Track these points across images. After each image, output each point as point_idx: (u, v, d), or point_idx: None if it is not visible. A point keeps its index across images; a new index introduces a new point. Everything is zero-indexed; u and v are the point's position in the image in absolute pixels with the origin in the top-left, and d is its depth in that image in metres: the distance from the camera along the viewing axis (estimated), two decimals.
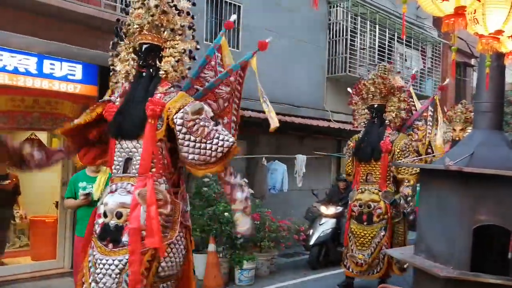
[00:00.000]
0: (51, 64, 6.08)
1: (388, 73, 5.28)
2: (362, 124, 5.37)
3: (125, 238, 2.66)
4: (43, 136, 7.51)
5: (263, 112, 9.33)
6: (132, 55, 2.93)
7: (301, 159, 9.33)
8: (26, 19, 5.95)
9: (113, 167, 2.84)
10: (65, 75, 6.18)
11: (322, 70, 11.13)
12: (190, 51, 3.02)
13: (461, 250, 3.18)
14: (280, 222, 7.93)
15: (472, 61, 15.65)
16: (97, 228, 2.78)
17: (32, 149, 2.85)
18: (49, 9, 5.94)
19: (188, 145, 2.72)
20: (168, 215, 2.75)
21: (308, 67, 10.61)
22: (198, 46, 3.14)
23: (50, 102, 6.24)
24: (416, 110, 5.84)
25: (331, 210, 7.88)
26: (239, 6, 9.52)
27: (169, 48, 2.91)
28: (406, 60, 13.44)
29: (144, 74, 2.89)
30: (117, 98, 2.96)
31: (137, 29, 2.87)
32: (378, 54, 12.22)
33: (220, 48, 3.57)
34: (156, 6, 2.82)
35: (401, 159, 4.94)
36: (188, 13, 3.02)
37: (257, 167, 9.06)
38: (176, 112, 2.71)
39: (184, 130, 2.71)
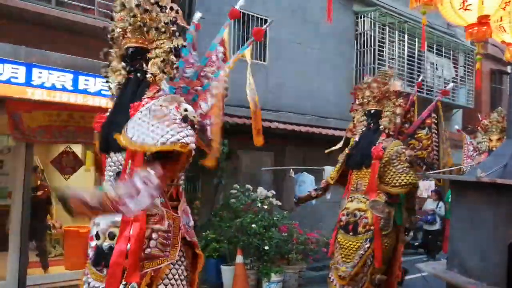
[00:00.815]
0: (85, 80, 6.30)
1: (388, 78, 4.96)
2: (359, 131, 5.03)
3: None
4: (78, 148, 7.74)
5: (290, 123, 9.37)
6: (122, 63, 2.69)
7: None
8: (62, 38, 6.30)
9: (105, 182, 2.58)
10: (98, 91, 6.37)
11: (350, 81, 11.06)
12: (176, 49, 2.70)
13: (496, 265, 3.07)
14: (308, 235, 7.87)
15: (508, 69, 15.23)
16: (90, 252, 2.52)
17: None
18: (85, 27, 6.27)
19: (139, 124, 2.39)
20: (166, 231, 2.47)
21: (335, 78, 10.56)
22: (184, 43, 2.85)
23: (84, 117, 6.46)
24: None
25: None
26: (266, 20, 9.59)
27: (155, 48, 2.67)
28: (437, 69, 13.21)
29: (128, 80, 2.66)
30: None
31: (121, 33, 2.65)
32: (408, 64, 12.06)
33: (223, 42, 3.32)
34: (138, 6, 2.59)
35: (388, 168, 4.57)
36: (171, 8, 2.73)
37: (285, 179, 9.02)
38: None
39: (146, 112, 2.43)
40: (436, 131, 5.10)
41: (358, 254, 4.49)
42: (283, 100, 9.59)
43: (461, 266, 3.38)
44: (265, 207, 7.60)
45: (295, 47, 9.99)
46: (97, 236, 2.48)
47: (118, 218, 2.41)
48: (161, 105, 2.42)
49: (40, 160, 7.99)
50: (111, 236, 2.43)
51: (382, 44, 11.38)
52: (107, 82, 2.79)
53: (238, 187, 7.76)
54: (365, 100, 4.94)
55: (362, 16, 11.35)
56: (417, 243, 10.98)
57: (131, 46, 2.65)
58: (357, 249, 4.51)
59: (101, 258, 2.43)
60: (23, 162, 6.33)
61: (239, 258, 6.82)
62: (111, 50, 2.77)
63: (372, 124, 4.89)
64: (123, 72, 2.69)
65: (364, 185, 4.69)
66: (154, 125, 2.34)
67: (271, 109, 9.35)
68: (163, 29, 2.65)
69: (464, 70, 14.06)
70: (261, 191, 7.77)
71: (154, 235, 2.44)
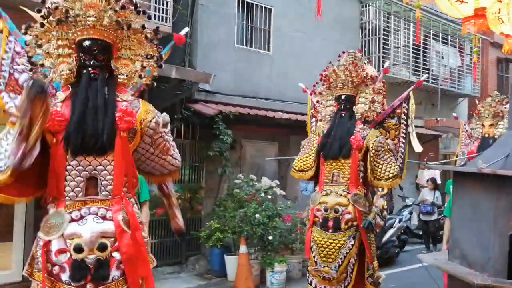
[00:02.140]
0: None
1: (358, 61, 4.45)
2: (327, 117, 4.54)
3: (114, 273, 2.25)
4: None
5: (294, 113, 9.33)
6: (70, 50, 2.41)
7: None
8: None
9: (66, 190, 2.27)
10: None
11: None
12: (158, 58, 2.57)
13: (497, 256, 3.06)
14: None
15: None
16: (60, 269, 2.21)
17: None
18: None
19: (147, 156, 2.53)
20: (146, 237, 2.44)
21: None
22: (163, 53, 2.65)
23: None
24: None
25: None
26: (270, 9, 9.53)
27: (125, 49, 2.49)
28: (442, 57, 13.10)
29: (94, 76, 2.39)
30: (55, 103, 2.35)
31: (90, 22, 2.36)
32: (413, 53, 11.97)
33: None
34: (117, 0, 2.43)
35: (376, 161, 4.19)
36: (144, 12, 2.54)
37: (289, 169, 9.03)
38: (149, 122, 2.44)
39: (148, 140, 2.46)
40: (405, 122, 4.63)
41: (342, 252, 4.12)
42: (287, 90, 9.57)
43: (462, 257, 3.38)
44: (269, 197, 7.63)
45: (300, 36, 9.94)
46: (79, 249, 2.19)
47: (107, 227, 2.26)
48: None
49: None
50: (102, 248, 2.22)
51: (387, 33, 11.30)
52: (32, 64, 2.44)
53: (242, 177, 7.78)
54: (339, 84, 4.46)
55: (367, 5, 11.26)
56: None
57: (98, 39, 2.39)
58: (340, 247, 4.13)
59: (85, 272, 2.20)
60: None
61: (243, 248, 6.86)
62: (40, 28, 2.39)
63: (345, 110, 4.43)
64: (71, 61, 2.39)
65: (342, 177, 4.26)
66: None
67: (275, 99, 9.34)
68: (134, 31, 2.49)
69: (470, 59, 13.93)
70: (265, 181, 7.78)
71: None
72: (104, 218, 2.27)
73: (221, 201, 7.80)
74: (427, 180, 10.62)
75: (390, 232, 8.50)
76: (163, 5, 7.62)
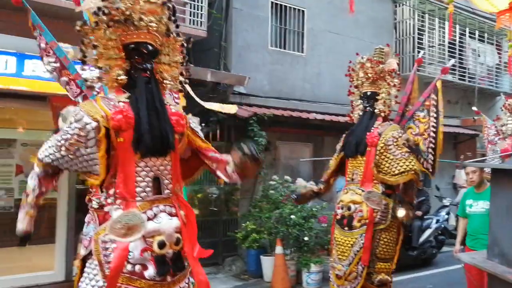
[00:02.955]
0: None
1: (385, 57, 4.41)
2: (356, 116, 4.51)
3: (185, 263, 2.44)
4: None
5: (328, 114, 9.31)
6: (122, 53, 2.41)
7: None
8: None
9: (137, 191, 2.32)
10: None
11: None
12: (187, 65, 2.64)
13: None
14: None
15: None
16: (143, 267, 2.27)
17: None
18: None
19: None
20: None
21: None
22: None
23: None
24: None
25: (401, 212, 7.67)
26: (303, 11, 9.58)
27: (164, 55, 2.54)
28: (479, 55, 12.78)
29: (147, 79, 2.42)
30: (115, 104, 2.36)
31: (151, 28, 2.39)
32: (449, 51, 11.74)
33: None
34: (169, 8, 2.48)
35: (385, 155, 4.08)
36: (177, 25, 2.59)
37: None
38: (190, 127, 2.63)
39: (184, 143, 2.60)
40: (435, 115, 4.40)
41: (353, 250, 4.07)
42: (321, 90, 9.58)
43: (501, 255, 3.34)
44: None
45: (333, 37, 9.93)
46: (162, 245, 2.29)
47: (177, 223, 2.38)
48: None
49: None
50: (177, 242, 2.37)
51: (422, 32, 11.13)
52: (84, 62, 2.43)
53: (277, 178, 7.84)
54: (359, 81, 4.44)
55: (401, 4, 11.13)
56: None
57: (151, 43, 2.41)
58: (352, 245, 4.08)
59: (167, 266, 2.32)
60: None
61: (278, 249, 6.91)
62: (93, 27, 2.37)
63: (368, 108, 4.39)
64: (125, 65, 2.41)
65: (359, 174, 4.23)
66: None
67: (309, 100, 9.36)
68: (175, 39, 2.55)
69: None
70: (300, 182, 7.79)
71: None
72: (171, 214, 2.39)
73: (256, 203, 7.88)
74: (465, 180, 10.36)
75: (427, 232, 8.36)
76: (197, 10, 7.79)
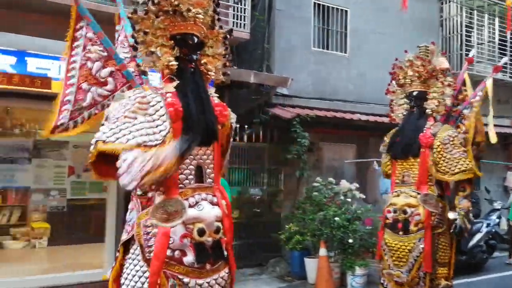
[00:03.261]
0: None
1: (431, 55, 4.26)
2: (400, 115, 4.39)
3: (225, 253, 2.45)
4: None
5: (373, 114, 9.17)
6: (171, 42, 2.44)
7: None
8: None
9: (180, 178, 2.33)
10: None
11: None
12: (229, 56, 2.66)
13: None
14: None
15: None
16: (181, 253, 2.29)
17: None
18: None
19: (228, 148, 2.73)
20: None
21: None
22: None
23: None
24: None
25: (451, 215, 7.44)
26: (346, 11, 9.47)
27: (208, 46, 2.56)
28: None
29: (192, 70, 2.46)
30: (163, 94, 2.37)
31: (199, 19, 2.43)
32: (499, 49, 11.29)
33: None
34: (213, 1, 2.51)
35: (442, 154, 3.95)
36: (219, 19, 2.62)
37: (368, 172, 8.90)
38: (233, 121, 2.68)
39: (224, 135, 2.62)
40: (474, 110, 4.31)
41: (412, 256, 3.95)
42: (365, 91, 9.43)
43: None
44: (348, 200, 7.55)
45: (377, 36, 9.76)
46: (202, 233, 2.30)
47: (218, 212, 2.39)
48: None
49: None
50: (217, 231, 2.37)
51: (470, 29, 10.76)
52: (136, 49, 2.46)
53: (321, 180, 7.77)
54: (407, 80, 4.29)
55: (448, 1, 10.81)
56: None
57: (196, 35, 2.45)
58: (410, 250, 3.96)
59: (206, 253, 2.34)
60: None
61: (322, 251, 6.85)
62: (143, 15, 2.41)
63: (416, 108, 4.24)
64: (174, 52, 2.43)
65: (412, 176, 4.09)
66: None
67: (353, 101, 9.24)
68: (212, 28, 2.57)
69: None
70: (344, 183, 7.72)
71: None
72: (212, 203, 2.39)
73: (300, 204, 7.84)
74: None
75: (477, 237, 8.05)
76: (241, 12, 7.85)
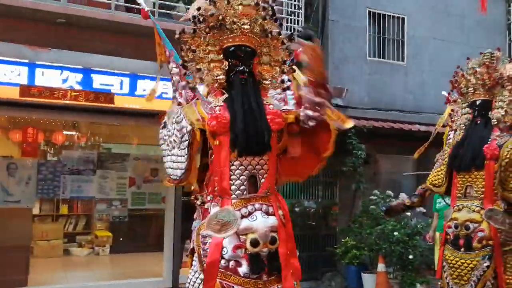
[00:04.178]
0: None
1: (496, 61, 4.01)
2: (462, 126, 4.15)
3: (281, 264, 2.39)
4: None
5: (433, 125, 8.81)
6: (221, 56, 2.50)
7: None
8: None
9: (232, 189, 2.38)
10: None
11: None
12: (291, 62, 2.62)
13: None
14: None
15: None
16: (236, 263, 2.31)
17: None
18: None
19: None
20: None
21: None
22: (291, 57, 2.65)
23: None
24: None
25: None
26: (402, 18, 9.22)
27: (265, 55, 2.57)
28: None
29: (244, 80, 2.48)
30: (212, 107, 2.45)
31: (245, 30, 2.46)
32: None
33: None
34: (264, 9, 2.51)
35: (510, 170, 3.72)
36: (280, 24, 2.64)
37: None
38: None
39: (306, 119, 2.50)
40: None
41: (475, 275, 3.70)
42: (425, 100, 9.09)
43: None
44: (408, 214, 7.28)
45: (436, 43, 9.41)
46: (255, 243, 2.30)
47: (273, 222, 2.37)
48: None
49: None
50: (273, 241, 2.34)
51: None
52: (186, 68, 2.53)
53: (378, 193, 7.56)
54: (470, 89, 4.06)
55: None
56: None
57: (247, 46, 2.50)
58: (472, 268, 3.72)
59: (261, 264, 2.32)
60: None
61: (381, 266, 6.65)
62: (192, 34, 2.48)
63: (480, 118, 4.01)
64: (223, 66, 2.48)
65: (476, 190, 3.86)
66: None
67: (412, 111, 8.94)
68: (272, 37, 2.56)
69: None
70: (403, 197, 7.42)
71: None
72: (268, 213, 2.37)
73: (356, 218, 7.66)
74: None
75: None
76: (294, 24, 7.87)
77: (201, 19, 2.46)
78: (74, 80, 6.35)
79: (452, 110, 4.36)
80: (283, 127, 2.48)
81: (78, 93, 6.36)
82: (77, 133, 8.95)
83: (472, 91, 4.07)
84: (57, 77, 6.21)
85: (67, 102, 6.26)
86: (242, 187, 2.38)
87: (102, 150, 9.46)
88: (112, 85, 6.53)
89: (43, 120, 7.64)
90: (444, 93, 4.99)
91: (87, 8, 6.27)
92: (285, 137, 2.54)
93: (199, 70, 2.48)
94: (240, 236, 2.31)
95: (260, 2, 2.49)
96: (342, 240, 7.45)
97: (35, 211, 8.61)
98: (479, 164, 3.85)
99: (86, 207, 9.50)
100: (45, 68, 6.14)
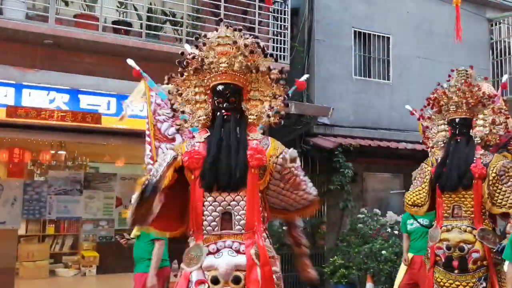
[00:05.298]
0: None
1: (471, 79, 4.04)
2: (439, 143, 4.16)
3: None
4: None
5: (419, 143, 8.88)
6: (205, 96, 2.63)
7: None
8: None
9: (204, 225, 2.41)
10: None
11: None
12: (285, 97, 2.65)
13: None
14: None
15: None
16: None
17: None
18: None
19: (278, 192, 2.58)
20: (278, 272, 2.50)
21: None
22: (287, 92, 2.69)
23: None
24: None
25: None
26: (387, 38, 9.37)
27: (254, 90, 2.62)
28: None
29: (227, 117, 2.54)
30: (193, 144, 2.54)
31: (222, 68, 2.55)
32: None
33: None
34: (246, 46, 2.57)
35: (497, 186, 3.74)
36: (271, 55, 2.70)
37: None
38: (276, 158, 2.50)
39: (278, 176, 2.52)
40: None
41: None
42: (410, 119, 9.12)
43: None
44: (396, 232, 7.29)
45: (421, 62, 9.56)
46: (215, 281, 2.32)
47: (240, 261, 2.35)
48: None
49: None
50: (236, 281, 2.33)
51: None
52: (175, 110, 2.70)
53: (366, 211, 7.58)
54: (451, 106, 4.05)
55: (498, 23, 10.45)
56: None
57: (230, 83, 2.56)
58: None
59: None
60: None
61: (369, 286, 6.63)
62: (180, 78, 2.64)
63: (460, 135, 3.99)
64: (207, 106, 2.61)
65: (465, 210, 3.84)
66: None
67: (398, 129, 9.02)
68: (262, 74, 2.61)
69: None
70: (391, 215, 7.47)
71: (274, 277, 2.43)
72: (238, 251, 2.37)
73: (344, 236, 7.66)
74: None
75: None
76: (280, 44, 7.95)
77: (185, 63, 2.62)
78: (61, 100, 6.37)
79: (427, 127, 4.35)
80: (264, 163, 2.46)
81: (65, 113, 6.37)
82: (64, 153, 8.92)
83: (455, 109, 4.06)
84: (44, 97, 6.24)
85: (54, 122, 6.27)
86: (213, 223, 2.40)
87: (89, 170, 9.43)
88: (99, 105, 6.55)
89: (30, 140, 7.60)
90: (408, 107, 5.02)
91: (74, 30, 6.30)
92: (268, 173, 2.51)
93: (183, 112, 2.65)
94: (205, 272, 2.35)
95: (238, 40, 2.57)
96: (330, 259, 7.43)
97: (21, 231, 8.52)
98: (466, 184, 3.83)
99: (73, 227, 9.41)
100: (32, 89, 6.17)
